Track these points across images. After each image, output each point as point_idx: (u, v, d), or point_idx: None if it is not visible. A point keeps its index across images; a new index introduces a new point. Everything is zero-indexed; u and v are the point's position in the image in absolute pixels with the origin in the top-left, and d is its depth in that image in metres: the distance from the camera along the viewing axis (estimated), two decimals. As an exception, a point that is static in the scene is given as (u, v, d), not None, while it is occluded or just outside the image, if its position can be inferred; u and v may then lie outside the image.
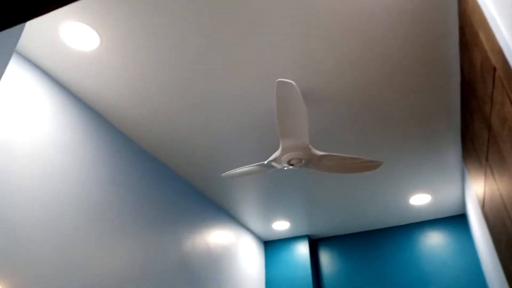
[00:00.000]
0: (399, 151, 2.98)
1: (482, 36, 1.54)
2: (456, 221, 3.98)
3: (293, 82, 1.92)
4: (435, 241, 3.96)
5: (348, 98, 2.43)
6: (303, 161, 2.30)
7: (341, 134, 2.78)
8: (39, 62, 2.15)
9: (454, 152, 3.00)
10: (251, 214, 3.94)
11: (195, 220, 3.32)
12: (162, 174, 3.04)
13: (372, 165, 2.44)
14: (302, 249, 4.29)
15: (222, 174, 2.58)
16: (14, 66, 2.03)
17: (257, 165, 2.44)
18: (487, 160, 1.97)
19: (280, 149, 2.26)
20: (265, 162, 2.39)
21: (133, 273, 2.47)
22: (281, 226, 4.18)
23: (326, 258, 4.35)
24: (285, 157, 2.29)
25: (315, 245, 4.49)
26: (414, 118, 2.62)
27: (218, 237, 3.62)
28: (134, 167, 2.75)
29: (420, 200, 3.71)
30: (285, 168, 2.57)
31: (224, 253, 3.64)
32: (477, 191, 2.60)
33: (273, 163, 2.38)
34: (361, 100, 2.44)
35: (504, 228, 1.96)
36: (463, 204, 3.83)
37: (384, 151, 2.98)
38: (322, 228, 4.28)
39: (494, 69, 1.47)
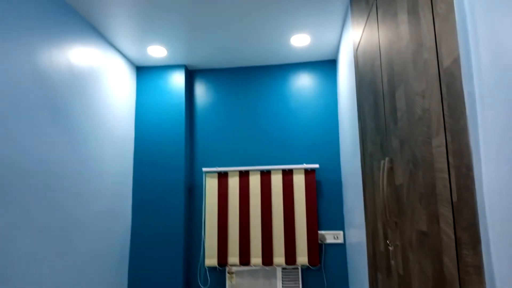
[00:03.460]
0: (292, -18, 2.78)
1: None
2: (327, 65, 4.22)
3: None
4: (304, 82, 4.21)
5: None
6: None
7: None
8: None
9: (343, -7, 2.93)
10: (123, 33, 3.50)
11: (53, 31, 2.80)
12: (1, -38, 2.32)
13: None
14: (178, 78, 4.15)
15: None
16: None
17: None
18: (376, -2, 1.93)
19: None
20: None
21: (-33, 80, 2.03)
22: (157, 52, 3.88)
23: (201, 90, 4.33)
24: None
25: (191, 76, 4.38)
26: None
27: (82, 55, 3.18)
28: None
29: (300, 40, 3.74)
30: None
31: (90, 74, 3.29)
32: (355, 35, 2.67)
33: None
34: None
35: (371, 68, 2.08)
36: (337, 50, 4.02)
37: (276, -20, 2.74)
38: (200, 60, 4.13)
39: None
